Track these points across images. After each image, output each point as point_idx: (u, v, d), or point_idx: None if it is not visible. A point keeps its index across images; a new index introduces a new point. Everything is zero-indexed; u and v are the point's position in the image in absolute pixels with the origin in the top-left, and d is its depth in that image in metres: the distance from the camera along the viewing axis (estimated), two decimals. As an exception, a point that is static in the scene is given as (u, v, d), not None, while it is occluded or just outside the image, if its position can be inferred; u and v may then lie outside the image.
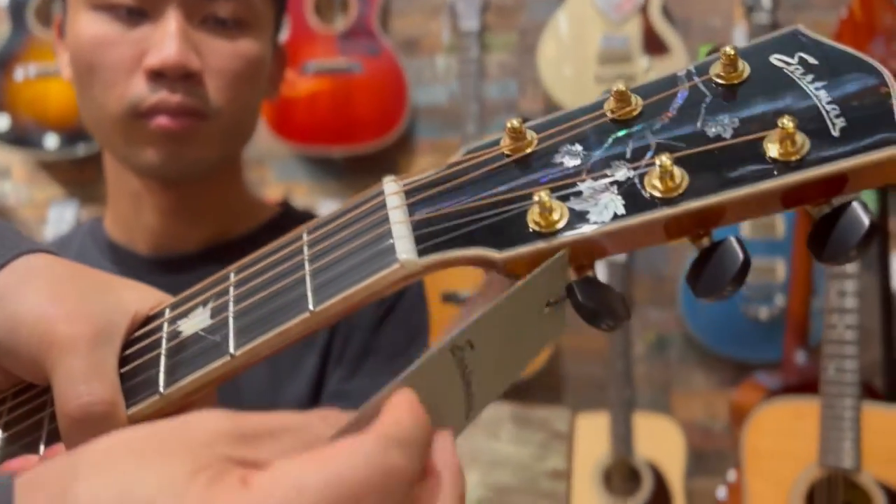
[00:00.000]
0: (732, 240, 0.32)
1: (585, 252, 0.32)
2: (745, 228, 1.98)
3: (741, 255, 0.31)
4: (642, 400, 2.00)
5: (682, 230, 0.32)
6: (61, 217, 2.15)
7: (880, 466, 1.37)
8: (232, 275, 0.38)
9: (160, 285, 0.43)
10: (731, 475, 1.65)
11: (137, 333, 0.39)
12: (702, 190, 0.31)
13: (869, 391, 1.47)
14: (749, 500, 1.47)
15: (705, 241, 0.32)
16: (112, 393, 0.36)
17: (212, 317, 0.37)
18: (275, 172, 2.22)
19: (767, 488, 1.46)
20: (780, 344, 1.82)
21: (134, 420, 0.36)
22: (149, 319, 0.39)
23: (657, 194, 0.31)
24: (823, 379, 1.35)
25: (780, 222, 1.97)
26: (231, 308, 0.37)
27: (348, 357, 0.78)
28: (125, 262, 0.77)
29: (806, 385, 1.54)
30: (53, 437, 0.37)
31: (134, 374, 0.37)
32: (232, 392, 0.76)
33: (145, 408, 0.36)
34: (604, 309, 0.32)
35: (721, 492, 1.69)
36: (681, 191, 0.31)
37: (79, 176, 2.26)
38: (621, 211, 0.32)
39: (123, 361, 0.37)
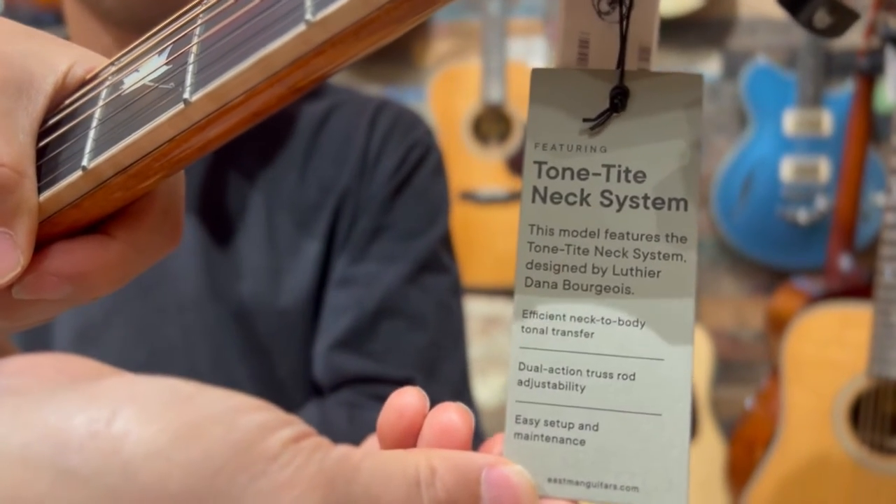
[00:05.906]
0: None
1: None
2: (788, 125, 1.83)
3: None
4: (668, 306, 1.89)
5: None
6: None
7: (932, 377, 1.26)
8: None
9: None
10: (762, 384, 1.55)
11: (69, 100, 0.27)
12: None
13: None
14: (789, 411, 1.38)
15: None
16: (17, 157, 0.24)
17: (168, 60, 0.25)
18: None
19: (809, 398, 1.36)
20: (819, 249, 1.70)
21: (46, 209, 0.25)
22: (86, 83, 0.27)
23: None
24: (878, 283, 1.23)
25: (826, 118, 1.81)
26: (195, 40, 0.25)
27: (355, 238, 0.68)
28: None
29: (850, 292, 1.43)
30: None
31: (55, 146, 0.26)
32: (231, 282, 0.66)
33: (62, 189, 0.25)
34: None
35: (749, 401, 1.60)
36: None
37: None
38: None
39: (45, 134, 0.26)
